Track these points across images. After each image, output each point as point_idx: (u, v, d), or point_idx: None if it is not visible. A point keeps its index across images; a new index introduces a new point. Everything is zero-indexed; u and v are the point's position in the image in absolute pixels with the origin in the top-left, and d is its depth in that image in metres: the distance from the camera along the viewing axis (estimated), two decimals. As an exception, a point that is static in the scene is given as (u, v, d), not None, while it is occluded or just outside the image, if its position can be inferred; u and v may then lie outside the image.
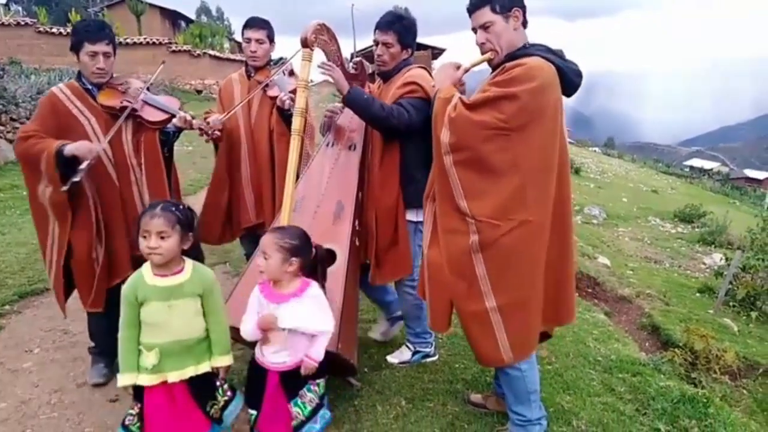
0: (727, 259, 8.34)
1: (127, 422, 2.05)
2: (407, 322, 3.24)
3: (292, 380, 2.16)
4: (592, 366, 3.39)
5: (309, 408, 2.19)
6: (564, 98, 2.25)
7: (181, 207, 2.07)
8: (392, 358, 3.25)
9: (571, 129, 75.78)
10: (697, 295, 7.85)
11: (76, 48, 2.74)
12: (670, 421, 2.78)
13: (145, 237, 1.97)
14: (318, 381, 2.24)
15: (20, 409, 2.82)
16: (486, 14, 2.25)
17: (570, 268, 2.38)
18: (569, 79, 2.20)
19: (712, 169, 50.49)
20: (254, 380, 2.21)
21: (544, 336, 2.51)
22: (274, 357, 2.15)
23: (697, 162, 63.72)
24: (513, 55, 2.23)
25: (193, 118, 3.04)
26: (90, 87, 2.81)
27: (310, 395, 2.22)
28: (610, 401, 2.95)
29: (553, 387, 3.05)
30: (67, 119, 2.74)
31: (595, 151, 40.66)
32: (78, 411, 2.81)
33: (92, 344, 3.13)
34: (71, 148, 2.59)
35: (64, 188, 2.60)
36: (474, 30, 2.33)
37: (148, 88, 2.90)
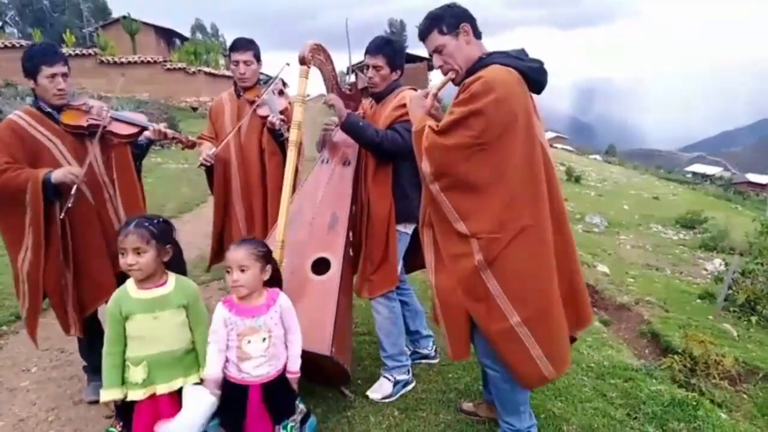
0: (726, 264, 8.34)
1: None
2: (381, 343, 3.12)
3: (275, 392, 2.15)
4: (584, 372, 3.41)
5: (299, 417, 2.26)
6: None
7: (155, 221, 2.12)
8: (374, 394, 3.05)
9: (567, 137, 75.66)
10: (698, 301, 7.86)
11: (32, 72, 2.69)
12: (660, 425, 2.80)
13: (122, 254, 2.03)
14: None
15: (18, 427, 2.85)
16: (435, 38, 2.29)
17: (578, 267, 2.36)
18: (532, 78, 2.20)
19: (714, 175, 50.50)
20: (232, 401, 2.13)
21: (571, 340, 2.47)
22: (257, 371, 2.12)
23: (699, 168, 63.74)
24: (473, 69, 2.25)
25: (167, 128, 3.05)
26: (50, 110, 2.78)
27: (301, 406, 2.28)
28: (601, 406, 2.97)
29: (545, 394, 3.06)
30: (32, 145, 2.71)
31: (595, 159, 40.72)
32: (75, 428, 2.84)
33: (86, 363, 3.16)
34: (57, 175, 2.61)
35: (61, 216, 2.65)
36: (430, 55, 2.38)
37: (113, 107, 2.94)
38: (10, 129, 2.70)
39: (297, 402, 2.27)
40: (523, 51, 2.30)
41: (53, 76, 2.69)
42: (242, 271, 2.07)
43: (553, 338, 2.23)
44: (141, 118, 3.04)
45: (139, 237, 2.02)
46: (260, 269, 2.11)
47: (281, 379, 2.18)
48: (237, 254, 2.08)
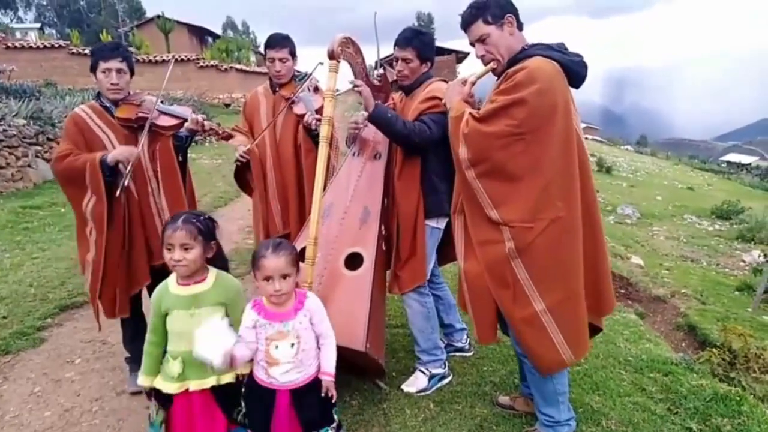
0: (765, 255, 8.12)
1: (151, 420, 2.13)
2: (415, 338, 3.10)
3: (304, 398, 2.08)
4: (622, 366, 3.35)
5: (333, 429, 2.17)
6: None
7: (201, 217, 2.13)
8: (408, 388, 3.04)
9: (599, 127, 74.40)
10: (736, 293, 7.66)
11: (93, 67, 2.90)
12: (702, 420, 2.73)
13: (169, 249, 2.03)
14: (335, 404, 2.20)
15: (63, 417, 2.94)
16: (480, 28, 2.31)
17: (605, 257, 2.39)
18: (573, 71, 2.22)
19: (750, 164, 48.91)
20: (259, 404, 2.08)
21: (596, 330, 2.49)
22: (285, 377, 2.05)
23: (734, 157, 61.73)
24: (514, 60, 2.26)
25: (204, 119, 3.12)
26: (108, 105, 2.96)
27: (335, 417, 2.19)
28: (641, 401, 2.92)
29: (582, 388, 3.03)
30: (90, 136, 2.91)
31: (627, 149, 39.95)
32: (118, 418, 2.92)
33: (128, 354, 3.25)
34: (113, 155, 2.77)
35: (117, 193, 2.77)
36: (472, 44, 2.38)
37: (162, 101, 3.03)
38: (73, 120, 2.95)
39: (333, 413, 2.18)
40: (563, 45, 2.31)
41: (107, 71, 2.87)
42: (284, 278, 1.99)
43: (575, 325, 2.26)
44: (186, 112, 3.11)
45: (188, 233, 2.02)
46: (296, 273, 2.04)
47: (311, 386, 2.09)
48: (279, 262, 1.97)
